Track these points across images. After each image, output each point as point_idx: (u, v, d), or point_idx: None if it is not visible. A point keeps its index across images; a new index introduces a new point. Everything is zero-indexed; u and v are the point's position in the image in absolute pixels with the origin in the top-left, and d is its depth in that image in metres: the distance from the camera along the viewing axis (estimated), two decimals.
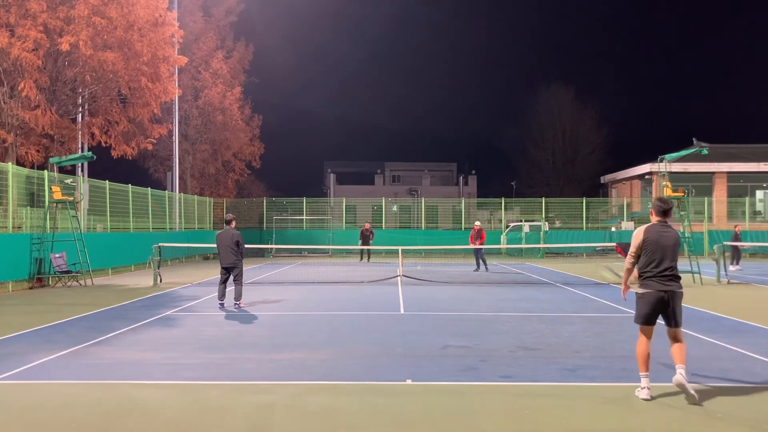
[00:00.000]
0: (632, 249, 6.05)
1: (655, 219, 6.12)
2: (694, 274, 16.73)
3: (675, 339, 5.93)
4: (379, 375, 6.73)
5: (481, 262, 21.50)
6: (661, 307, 5.87)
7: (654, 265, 5.87)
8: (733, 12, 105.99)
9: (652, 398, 5.75)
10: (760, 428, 5.10)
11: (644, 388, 5.79)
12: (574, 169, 53.33)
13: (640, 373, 5.88)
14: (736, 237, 22.52)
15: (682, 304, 6.01)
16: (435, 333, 9.19)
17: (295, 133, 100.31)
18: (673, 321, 5.88)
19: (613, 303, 12.68)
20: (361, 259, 27.88)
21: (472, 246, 21.37)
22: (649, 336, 6.00)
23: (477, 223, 22.04)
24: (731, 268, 20.94)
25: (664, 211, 6.06)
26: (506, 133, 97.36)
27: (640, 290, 5.98)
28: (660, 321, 6.01)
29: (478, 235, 21.27)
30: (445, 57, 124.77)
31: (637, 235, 6.01)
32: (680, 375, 5.67)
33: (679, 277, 5.97)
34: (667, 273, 5.85)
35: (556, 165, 53.77)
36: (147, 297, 13.93)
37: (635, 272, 6.10)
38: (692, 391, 5.60)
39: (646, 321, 5.96)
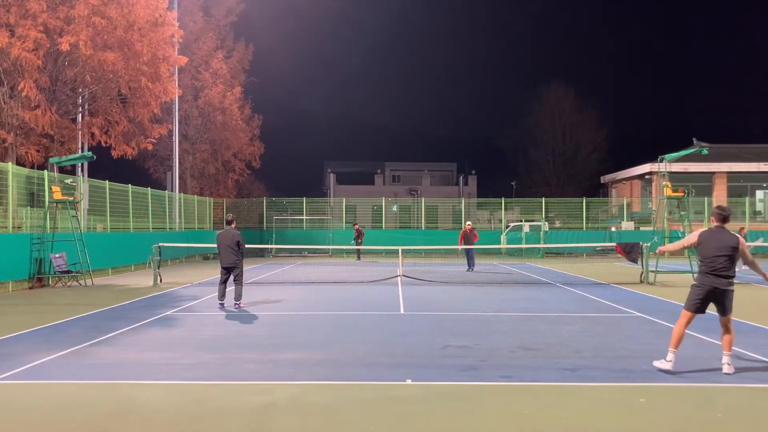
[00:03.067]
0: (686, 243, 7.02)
1: (714, 224, 6.96)
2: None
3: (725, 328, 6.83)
4: (379, 375, 6.73)
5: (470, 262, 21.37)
6: (712, 298, 6.75)
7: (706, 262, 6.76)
8: (733, 12, 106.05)
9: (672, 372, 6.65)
10: (761, 428, 5.11)
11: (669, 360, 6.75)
12: (574, 169, 53.31)
13: (670, 348, 6.79)
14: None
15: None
16: (435, 333, 9.19)
17: (295, 133, 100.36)
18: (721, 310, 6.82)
19: (613, 303, 12.68)
20: (358, 258, 28.29)
21: (461, 246, 21.28)
22: (689, 321, 6.87)
23: (468, 223, 21.76)
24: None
25: (724, 218, 6.88)
26: (506, 133, 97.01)
27: (695, 283, 6.85)
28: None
29: (471, 236, 21.18)
30: (445, 57, 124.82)
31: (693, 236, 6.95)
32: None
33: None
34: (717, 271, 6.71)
35: (556, 165, 53.76)
36: (147, 297, 13.93)
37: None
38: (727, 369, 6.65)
39: (695, 309, 6.82)
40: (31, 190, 16.86)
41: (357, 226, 29.08)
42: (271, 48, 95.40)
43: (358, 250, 28.09)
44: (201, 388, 6.18)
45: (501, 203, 34.58)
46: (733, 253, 6.66)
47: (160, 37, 19.78)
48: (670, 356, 6.74)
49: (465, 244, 21.25)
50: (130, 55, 18.59)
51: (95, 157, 17.36)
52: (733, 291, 6.71)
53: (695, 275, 7.04)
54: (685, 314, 6.83)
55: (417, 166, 64.78)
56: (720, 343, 7.02)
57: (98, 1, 17.41)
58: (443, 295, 14.02)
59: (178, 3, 27.93)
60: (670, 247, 7.42)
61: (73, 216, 16.63)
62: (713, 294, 6.68)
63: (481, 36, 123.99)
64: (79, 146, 20.70)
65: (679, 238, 18.92)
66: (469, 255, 21.43)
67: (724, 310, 6.74)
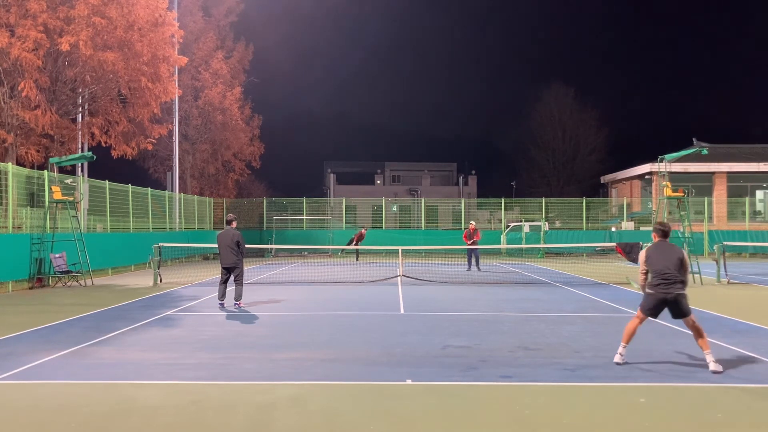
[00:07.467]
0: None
1: (657, 239, 7.28)
2: (694, 275, 16.73)
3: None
4: (379, 375, 6.73)
5: (474, 261, 21.64)
6: (664, 306, 6.94)
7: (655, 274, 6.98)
8: (734, 12, 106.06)
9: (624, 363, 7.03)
10: (761, 428, 5.11)
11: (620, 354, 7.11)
12: (574, 169, 53.30)
13: (621, 343, 7.15)
14: None
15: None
16: (435, 333, 9.19)
17: (295, 133, 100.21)
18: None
19: (613, 303, 12.68)
20: (357, 258, 28.27)
21: (468, 246, 21.59)
22: (641, 321, 7.16)
23: (472, 223, 22.24)
24: None
25: (665, 233, 7.28)
26: (506, 133, 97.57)
27: (649, 290, 7.04)
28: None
29: (474, 235, 21.56)
30: (445, 57, 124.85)
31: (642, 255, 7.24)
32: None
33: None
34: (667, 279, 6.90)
35: (556, 165, 53.75)
36: (147, 297, 13.93)
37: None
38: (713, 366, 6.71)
39: (649, 314, 7.07)
40: (31, 190, 16.86)
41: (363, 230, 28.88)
42: (271, 48, 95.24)
43: (356, 250, 28.06)
44: (201, 388, 6.18)
45: (501, 203, 34.57)
46: (680, 264, 6.92)
47: (160, 37, 19.77)
48: (622, 350, 7.11)
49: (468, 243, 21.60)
50: (130, 55, 18.58)
51: (95, 157, 17.36)
52: (684, 295, 6.88)
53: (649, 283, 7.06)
54: (640, 315, 7.11)
55: (417, 166, 64.78)
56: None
57: (98, 1, 17.41)
58: (443, 295, 14.02)
59: (178, 3, 27.93)
60: (641, 279, 7.19)
61: (73, 216, 16.63)
62: (665, 303, 6.88)
63: (481, 36, 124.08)
64: (79, 146, 20.68)
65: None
66: (474, 254, 21.67)
67: (681, 314, 6.89)
